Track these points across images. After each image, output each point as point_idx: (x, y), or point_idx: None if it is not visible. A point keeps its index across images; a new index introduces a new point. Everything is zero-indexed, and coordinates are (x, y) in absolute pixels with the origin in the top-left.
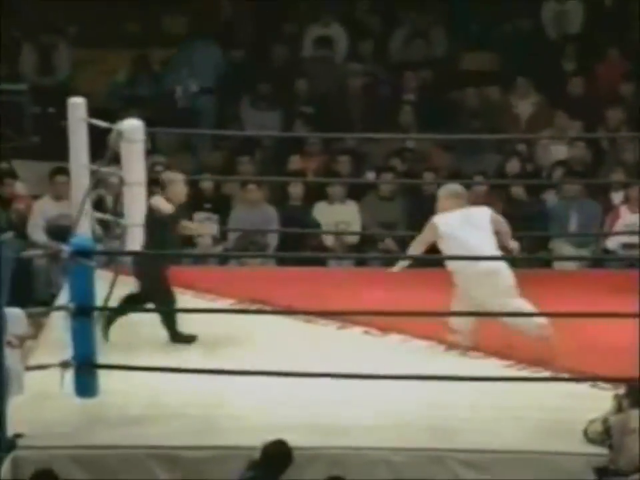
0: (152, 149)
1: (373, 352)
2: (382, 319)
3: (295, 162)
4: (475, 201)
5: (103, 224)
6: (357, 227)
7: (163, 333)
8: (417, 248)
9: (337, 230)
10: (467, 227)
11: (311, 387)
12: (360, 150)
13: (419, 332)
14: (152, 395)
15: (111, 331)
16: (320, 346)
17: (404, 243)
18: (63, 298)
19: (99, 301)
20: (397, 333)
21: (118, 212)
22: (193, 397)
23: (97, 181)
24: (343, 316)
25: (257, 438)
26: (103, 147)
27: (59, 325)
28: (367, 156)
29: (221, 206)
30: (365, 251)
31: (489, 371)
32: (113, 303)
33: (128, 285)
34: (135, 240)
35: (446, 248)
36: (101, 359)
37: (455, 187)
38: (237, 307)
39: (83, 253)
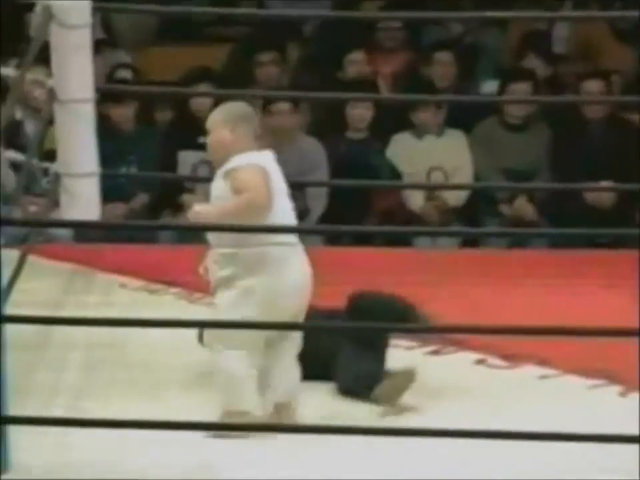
0: (108, 40)
1: (495, 394)
2: (509, 339)
3: (356, 62)
4: None
5: (19, 169)
6: (465, 176)
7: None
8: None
9: (430, 182)
10: (280, 182)
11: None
12: (470, 41)
13: (570, 360)
14: (103, 467)
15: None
16: None
17: (546, 205)
18: None
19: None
20: (535, 363)
21: (44, 150)
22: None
23: (10, 94)
24: (442, 334)
25: None
26: (19, 36)
27: None
28: (483, 51)
29: None
30: (480, 219)
31: None
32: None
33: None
34: (78, 198)
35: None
36: (18, 407)
37: (241, 107)
38: None
39: None
